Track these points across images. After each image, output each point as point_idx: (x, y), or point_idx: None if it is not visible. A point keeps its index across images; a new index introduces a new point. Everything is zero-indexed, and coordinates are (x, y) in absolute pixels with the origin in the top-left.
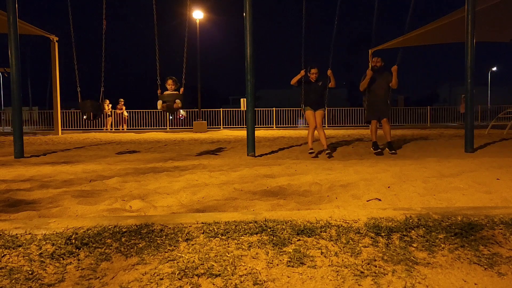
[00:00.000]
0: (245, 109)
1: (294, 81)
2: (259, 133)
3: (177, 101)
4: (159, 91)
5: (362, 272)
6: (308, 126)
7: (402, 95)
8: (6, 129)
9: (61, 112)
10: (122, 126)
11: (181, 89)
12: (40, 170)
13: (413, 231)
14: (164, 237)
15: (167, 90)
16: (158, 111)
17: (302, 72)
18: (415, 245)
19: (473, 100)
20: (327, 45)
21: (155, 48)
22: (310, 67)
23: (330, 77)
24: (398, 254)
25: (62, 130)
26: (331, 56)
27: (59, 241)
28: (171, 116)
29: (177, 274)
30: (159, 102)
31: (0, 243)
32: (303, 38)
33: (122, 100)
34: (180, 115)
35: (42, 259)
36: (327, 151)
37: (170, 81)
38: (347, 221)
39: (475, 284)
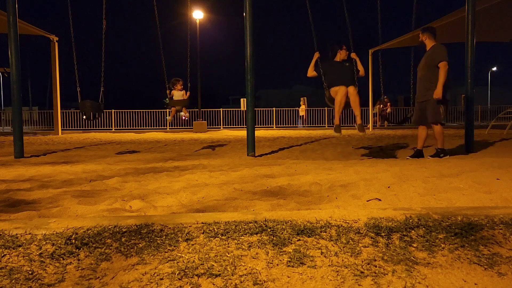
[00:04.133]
0: (245, 109)
1: (311, 69)
2: (259, 133)
3: (185, 109)
4: (168, 92)
5: (362, 272)
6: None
7: (403, 95)
8: (6, 129)
9: (61, 112)
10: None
11: (188, 93)
12: (40, 170)
13: (413, 231)
14: (164, 237)
15: (174, 89)
16: (158, 111)
17: (317, 55)
18: (415, 245)
19: (473, 100)
20: (330, 40)
21: (161, 54)
22: (338, 47)
23: (356, 61)
24: (398, 254)
25: (62, 130)
26: (351, 41)
27: (59, 241)
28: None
29: (177, 274)
30: (169, 118)
31: (0, 243)
32: (311, 21)
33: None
34: (183, 117)
35: (42, 259)
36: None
37: (176, 82)
38: (347, 221)
39: (475, 284)
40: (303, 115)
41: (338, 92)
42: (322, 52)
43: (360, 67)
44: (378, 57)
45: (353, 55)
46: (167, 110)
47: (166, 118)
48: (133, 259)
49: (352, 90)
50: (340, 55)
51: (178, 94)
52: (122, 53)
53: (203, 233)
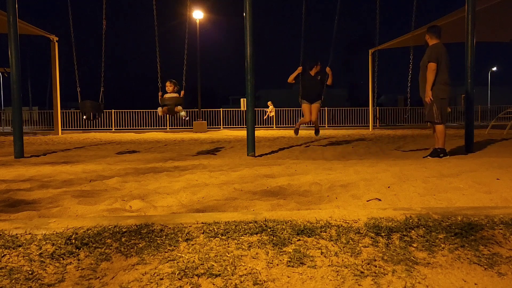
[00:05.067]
0: (245, 109)
1: (291, 78)
2: (259, 133)
3: (179, 107)
4: (160, 93)
5: (362, 272)
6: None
7: (403, 95)
8: (6, 129)
9: (61, 112)
10: None
11: (182, 92)
12: (40, 170)
13: (413, 231)
14: (164, 237)
15: (167, 92)
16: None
17: (300, 69)
18: (415, 245)
19: (473, 100)
20: (327, 44)
21: (156, 51)
22: (314, 62)
23: (329, 74)
24: (398, 254)
25: (62, 130)
26: (331, 55)
27: (59, 241)
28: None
29: (177, 274)
30: (159, 109)
31: (0, 243)
32: (302, 36)
33: None
34: (183, 117)
35: (42, 259)
36: (316, 133)
37: (168, 83)
38: (347, 221)
39: (475, 284)
40: (268, 115)
41: (305, 115)
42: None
43: (330, 79)
44: (378, 57)
45: (327, 69)
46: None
47: (166, 118)
48: (133, 259)
49: (314, 118)
50: (316, 69)
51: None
52: (122, 53)
53: (203, 233)
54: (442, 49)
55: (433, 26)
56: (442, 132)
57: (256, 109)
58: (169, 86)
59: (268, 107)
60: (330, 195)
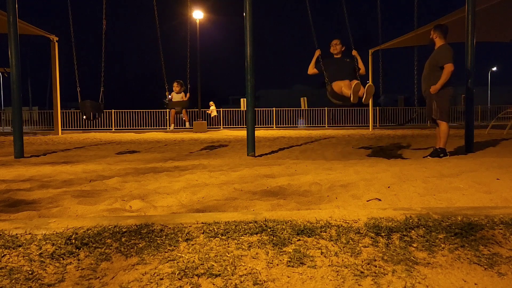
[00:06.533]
0: (245, 109)
1: (311, 66)
2: (259, 133)
3: (184, 112)
4: (167, 93)
5: (362, 272)
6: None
7: (403, 95)
8: (6, 129)
9: (61, 112)
10: None
11: (187, 94)
12: (40, 170)
13: (413, 231)
14: (164, 237)
15: (173, 91)
16: (158, 111)
17: (318, 52)
18: (415, 245)
19: (473, 100)
20: (327, 44)
21: (160, 54)
22: (335, 40)
23: (357, 58)
24: (398, 254)
25: (62, 130)
26: (351, 37)
27: (59, 241)
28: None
29: (177, 274)
30: (172, 111)
31: (0, 243)
32: (310, 18)
33: None
34: (184, 118)
35: (42, 259)
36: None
37: (175, 84)
38: (347, 221)
39: (475, 284)
40: (210, 115)
41: (345, 89)
42: (323, 49)
43: (361, 65)
44: (378, 57)
45: (354, 52)
46: (167, 110)
47: (166, 118)
48: (133, 259)
49: (355, 82)
50: (335, 48)
51: (177, 96)
52: (122, 53)
53: (203, 233)
54: (452, 49)
55: (441, 25)
56: (445, 132)
57: (256, 109)
58: (176, 86)
59: (209, 107)
60: (330, 195)
